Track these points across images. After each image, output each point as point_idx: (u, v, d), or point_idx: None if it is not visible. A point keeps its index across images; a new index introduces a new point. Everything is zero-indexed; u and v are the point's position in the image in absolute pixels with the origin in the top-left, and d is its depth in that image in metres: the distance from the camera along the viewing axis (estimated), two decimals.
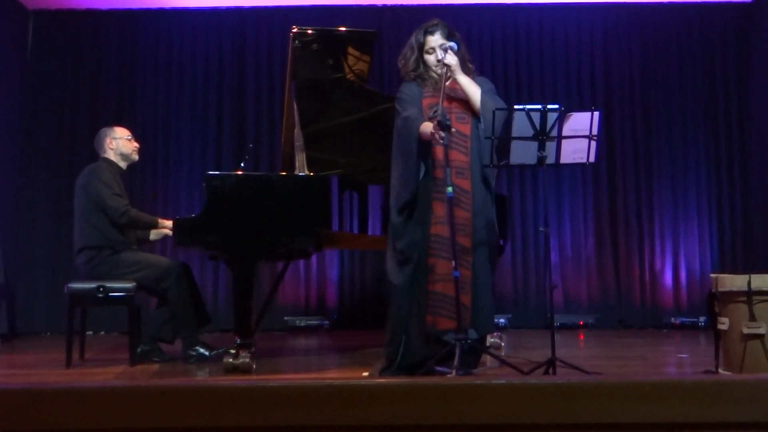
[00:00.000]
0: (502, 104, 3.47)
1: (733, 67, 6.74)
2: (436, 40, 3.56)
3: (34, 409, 1.33)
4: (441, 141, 3.23)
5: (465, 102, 3.54)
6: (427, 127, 3.34)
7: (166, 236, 4.61)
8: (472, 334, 3.40)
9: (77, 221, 4.38)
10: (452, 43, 3.49)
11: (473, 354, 3.46)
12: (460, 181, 3.44)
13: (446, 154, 3.27)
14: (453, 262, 3.23)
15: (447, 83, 3.50)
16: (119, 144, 4.50)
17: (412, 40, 3.64)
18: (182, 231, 3.87)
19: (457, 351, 3.17)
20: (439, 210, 3.43)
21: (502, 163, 3.49)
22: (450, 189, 3.23)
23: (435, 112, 3.25)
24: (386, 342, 3.55)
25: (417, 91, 3.60)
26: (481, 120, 3.46)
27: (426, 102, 3.55)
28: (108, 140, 4.50)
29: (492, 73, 6.71)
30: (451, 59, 3.45)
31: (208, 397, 1.33)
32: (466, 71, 3.60)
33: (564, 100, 6.42)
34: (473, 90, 3.50)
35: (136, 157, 4.62)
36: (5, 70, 6.19)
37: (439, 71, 3.49)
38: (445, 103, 3.44)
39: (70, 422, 1.32)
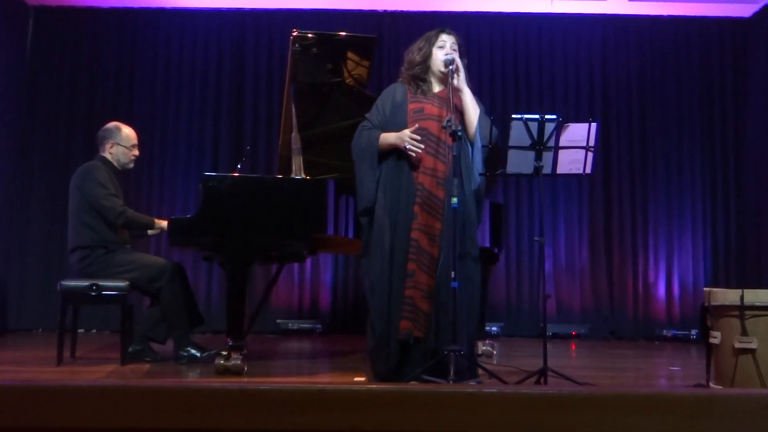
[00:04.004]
0: (494, 130, 3.51)
1: (730, 81, 6.78)
2: (449, 38, 3.61)
3: (23, 407, 1.32)
4: (407, 149, 3.40)
5: (455, 110, 3.55)
6: (388, 137, 3.49)
7: (161, 233, 4.57)
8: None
9: (71, 221, 4.35)
10: (452, 56, 3.50)
11: (468, 365, 3.42)
12: (438, 191, 3.46)
13: (455, 165, 3.27)
14: (453, 273, 3.22)
15: (436, 90, 3.57)
16: (119, 152, 4.47)
17: (426, 35, 3.67)
18: (177, 231, 3.86)
19: (452, 362, 3.15)
20: (420, 217, 3.44)
21: (498, 172, 3.50)
22: (455, 200, 3.24)
23: (448, 121, 3.29)
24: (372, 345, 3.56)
25: (402, 96, 3.62)
26: (477, 135, 3.46)
27: (411, 106, 3.57)
28: (109, 144, 4.46)
29: (491, 82, 6.74)
30: (461, 65, 3.49)
31: (199, 399, 1.33)
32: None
33: (561, 110, 6.43)
34: (473, 105, 3.53)
35: (131, 166, 4.59)
36: (4, 66, 6.18)
37: (444, 69, 3.50)
38: (434, 111, 3.48)
39: (60, 420, 1.31)
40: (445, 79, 3.49)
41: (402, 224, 3.45)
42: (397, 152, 3.52)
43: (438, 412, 1.31)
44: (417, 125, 3.48)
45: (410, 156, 3.46)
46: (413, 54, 3.66)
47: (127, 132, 4.52)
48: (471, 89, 3.60)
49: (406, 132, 3.45)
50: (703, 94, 6.79)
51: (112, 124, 4.55)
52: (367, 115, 3.68)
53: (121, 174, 4.60)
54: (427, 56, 3.61)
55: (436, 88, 3.61)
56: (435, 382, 3.20)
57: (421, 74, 3.61)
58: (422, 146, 3.43)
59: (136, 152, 4.57)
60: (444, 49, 3.57)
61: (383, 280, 3.45)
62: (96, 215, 4.28)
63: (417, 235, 3.43)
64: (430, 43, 3.62)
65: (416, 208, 3.45)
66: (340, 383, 2.58)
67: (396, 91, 3.67)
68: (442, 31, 3.64)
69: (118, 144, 4.47)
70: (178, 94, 6.74)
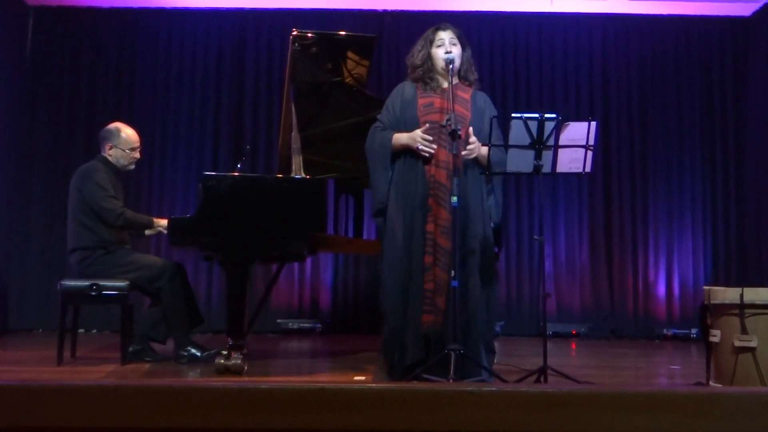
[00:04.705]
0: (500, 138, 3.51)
1: (730, 80, 6.77)
2: (446, 34, 3.62)
3: (24, 406, 1.33)
4: (420, 149, 3.43)
5: (464, 105, 3.57)
6: (401, 138, 3.51)
7: (160, 234, 4.58)
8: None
9: (70, 221, 4.35)
10: (452, 56, 3.52)
11: (470, 362, 3.40)
12: (448, 182, 3.46)
13: (454, 163, 3.29)
14: (452, 272, 3.23)
15: (446, 85, 3.54)
16: (117, 154, 4.45)
17: (424, 36, 3.70)
18: (177, 231, 3.86)
19: (452, 360, 3.15)
20: (434, 208, 3.46)
21: (497, 171, 3.50)
22: (455, 198, 3.25)
23: (448, 120, 3.31)
24: (385, 343, 3.55)
25: (411, 93, 3.63)
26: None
27: (421, 101, 3.59)
28: (108, 146, 4.44)
29: (490, 81, 6.73)
30: (476, 148, 3.47)
31: (199, 398, 1.33)
32: (470, 80, 3.67)
33: (561, 109, 6.43)
34: (486, 154, 3.50)
35: (131, 167, 4.57)
36: (4, 66, 6.18)
37: (444, 67, 3.53)
38: (445, 104, 3.48)
39: (60, 420, 1.31)
40: (452, 76, 3.53)
41: (418, 218, 3.47)
42: (411, 150, 3.53)
43: (438, 411, 1.31)
44: (427, 125, 3.48)
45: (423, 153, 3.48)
46: (414, 58, 3.69)
47: (128, 134, 4.49)
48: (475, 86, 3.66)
49: (418, 132, 3.47)
50: (703, 92, 6.79)
51: (113, 126, 4.53)
52: (378, 117, 3.70)
53: (122, 174, 4.60)
54: (427, 58, 3.63)
55: (444, 83, 3.61)
56: (435, 380, 3.21)
57: (425, 75, 3.63)
58: (435, 146, 3.44)
59: (137, 155, 4.54)
60: (443, 47, 3.58)
61: (396, 276, 3.47)
62: (95, 216, 4.28)
63: (432, 227, 3.44)
64: (429, 44, 3.64)
65: (430, 201, 3.47)
66: (340, 382, 2.58)
67: (404, 88, 3.69)
68: (438, 28, 3.66)
69: (117, 147, 4.45)
70: (178, 93, 6.74)
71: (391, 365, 3.50)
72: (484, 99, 3.70)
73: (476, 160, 3.51)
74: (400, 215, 3.50)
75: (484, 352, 3.50)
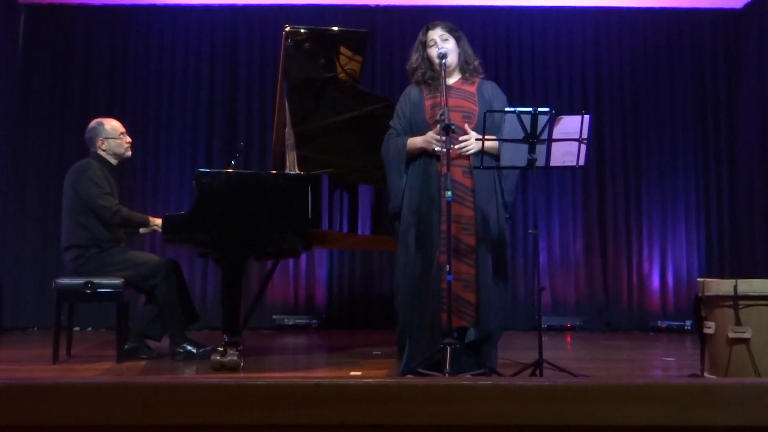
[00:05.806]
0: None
1: (722, 72, 6.80)
2: (436, 33, 3.63)
3: (19, 405, 1.32)
4: (437, 151, 3.41)
5: (470, 99, 3.57)
6: (415, 142, 3.52)
7: (155, 232, 4.58)
8: (470, 334, 3.43)
9: (65, 219, 4.34)
10: (444, 51, 3.51)
11: (473, 356, 3.42)
12: (465, 180, 3.47)
13: (447, 159, 3.29)
14: (448, 267, 3.24)
15: (450, 82, 3.53)
16: (111, 144, 4.45)
17: (417, 40, 3.71)
18: (172, 228, 3.85)
19: (448, 355, 3.16)
20: (453, 208, 3.45)
21: (492, 166, 3.50)
22: (449, 193, 3.25)
23: (441, 115, 3.30)
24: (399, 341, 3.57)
25: (417, 95, 3.64)
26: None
27: (428, 103, 3.60)
28: (99, 141, 4.44)
29: (484, 75, 6.72)
30: (474, 146, 3.45)
31: (195, 395, 1.33)
32: (471, 70, 3.67)
33: (555, 103, 6.44)
34: (495, 146, 3.48)
35: (129, 153, 4.56)
36: None
37: (438, 62, 3.52)
38: (451, 101, 3.47)
39: (56, 418, 1.31)
40: (453, 72, 3.56)
41: (432, 218, 3.47)
42: (426, 152, 3.53)
43: (434, 405, 1.31)
44: (438, 126, 3.47)
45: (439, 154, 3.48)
46: (411, 62, 3.71)
47: (112, 124, 4.50)
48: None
49: (431, 134, 3.47)
50: (696, 85, 6.81)
51: (94, 122, 4.53)
52: (391, 123, 3.70)
53: (116, 170, 4.58)
54: (422, 60, 3.64)
55: (447, 81, 3.60)
56: (431, 375, 3.21)
57: (426, 77, 3.63)
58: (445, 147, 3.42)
59: (128, 139, 4.54)
60: (434, 46, 3.59)
61: (407, 277, 3.49)
62: (90, 214, 4.27)
63: (445, 226, 3.43)
64: (421, 46, 3.67)
65: (442, 200, 3.45)
66: (336, 378, 2.59)
67: (410, 92, 3.70)
68: (428, 29, 3.67)
69: (107, 138, 4.45)
70: (171, 90, 6.73)
71: (403, 361, 3.51)
72: (491, 88, 3.69)
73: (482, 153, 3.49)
74: (411, 217, 3.52)
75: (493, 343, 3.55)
